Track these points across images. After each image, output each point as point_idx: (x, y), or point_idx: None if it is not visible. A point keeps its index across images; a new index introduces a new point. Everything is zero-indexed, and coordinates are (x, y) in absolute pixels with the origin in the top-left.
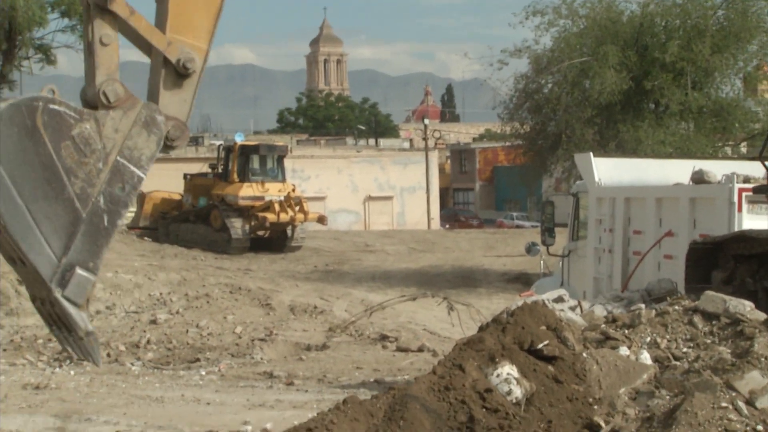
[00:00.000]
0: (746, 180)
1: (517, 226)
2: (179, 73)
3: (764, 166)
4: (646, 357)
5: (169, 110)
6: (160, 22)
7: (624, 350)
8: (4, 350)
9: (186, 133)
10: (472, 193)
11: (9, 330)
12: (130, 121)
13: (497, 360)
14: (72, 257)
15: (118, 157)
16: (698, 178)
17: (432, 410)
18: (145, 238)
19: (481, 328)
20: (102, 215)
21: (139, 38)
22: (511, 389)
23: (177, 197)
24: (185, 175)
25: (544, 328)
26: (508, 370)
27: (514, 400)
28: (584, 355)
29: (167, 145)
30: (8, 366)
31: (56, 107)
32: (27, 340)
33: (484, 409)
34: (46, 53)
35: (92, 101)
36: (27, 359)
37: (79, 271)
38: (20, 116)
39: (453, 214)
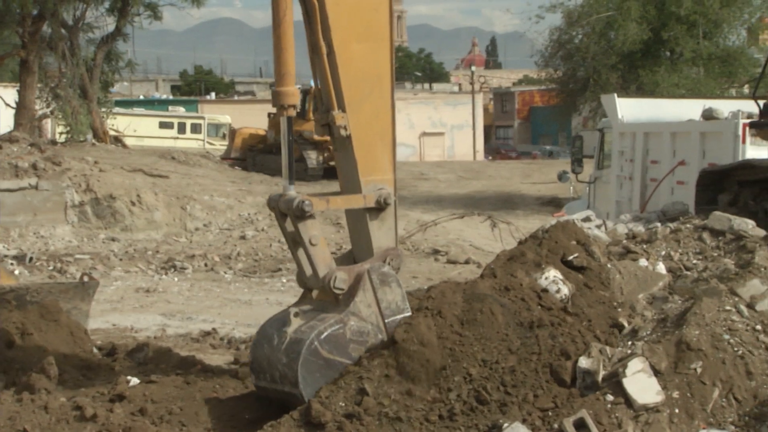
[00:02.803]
0: (749, 117)
1: (550, 157)
2: (380, 209)
3: (757, 104)
4: (661, 267)
5: (382, 243)
6: (348, 167)
7: (643, 262)
8: (120, 260)
9: (402, 255)
10: (512, 129)
11: (124, 243)
12: (371, 291)
13: (543, 266)
14: None
15: (386, 320)
16: (708, 115)
17: (504, 304)
18: (236, 168)
19: (520, 243)
20: None
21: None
22: (560, 288)
23: (262, 133)
24: (269, 114)
25: (574, 242)
26: (554, 273)
27: (564, 297)
28: (608, 265)
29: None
30: (124, 273)
31: (328, 332)
32: (139, 251)
33: (540, 307)
34: (153, 10)
35: (311, 286)
36: (139, 267)
37: None
38: (314, 364)
39: (495, 148)
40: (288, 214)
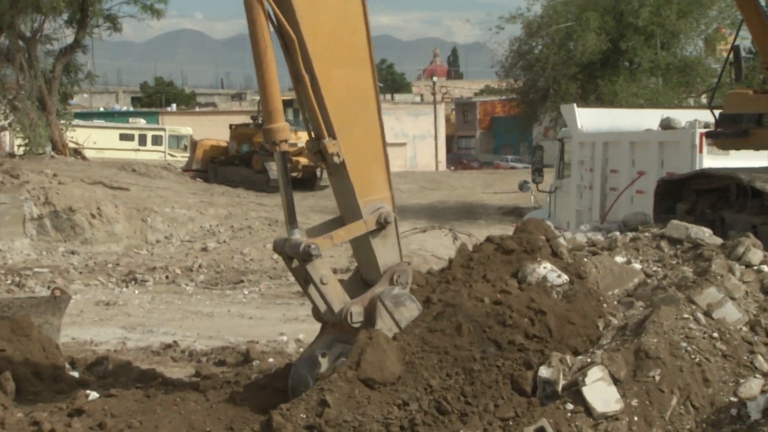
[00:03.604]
0: (706, 126)
1: (511, 167)
2: (381, 227)
3: (713, 114)
4: (636, 264)
5: (387, 261)
6: (345, 191)
7: (619, 258)
8: (80, 273)
9: (408, 269)
10: (473, 139)
11: (84, 256)
12: (388, 317)
13: (538, 257)
14: None
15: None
16: (665, 124)
17: (476, 320)
18: (197, 179)
19: (482, 243)
20: None
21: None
22: (560, 274)
23: (224, 144)
24: (231, 126)
25: (543, 237)
26: (550, 264)
27: (565, 282)
28: (585, 259)
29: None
30: (83, 286)
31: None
32: (99, 264)
33: (528, 320)
34: (113, 22)
35: (327, 320)
36: (99, 280)
37: None
38: None
39: (457, 158)
40: (295, 258)
